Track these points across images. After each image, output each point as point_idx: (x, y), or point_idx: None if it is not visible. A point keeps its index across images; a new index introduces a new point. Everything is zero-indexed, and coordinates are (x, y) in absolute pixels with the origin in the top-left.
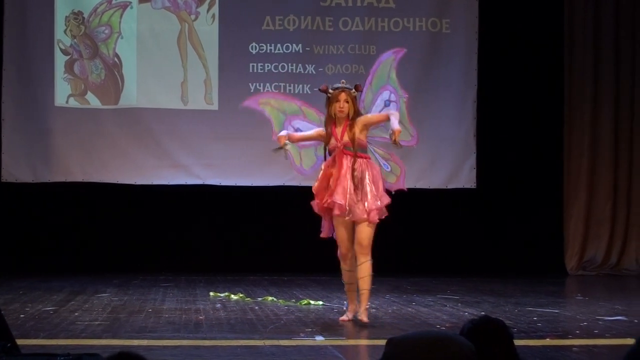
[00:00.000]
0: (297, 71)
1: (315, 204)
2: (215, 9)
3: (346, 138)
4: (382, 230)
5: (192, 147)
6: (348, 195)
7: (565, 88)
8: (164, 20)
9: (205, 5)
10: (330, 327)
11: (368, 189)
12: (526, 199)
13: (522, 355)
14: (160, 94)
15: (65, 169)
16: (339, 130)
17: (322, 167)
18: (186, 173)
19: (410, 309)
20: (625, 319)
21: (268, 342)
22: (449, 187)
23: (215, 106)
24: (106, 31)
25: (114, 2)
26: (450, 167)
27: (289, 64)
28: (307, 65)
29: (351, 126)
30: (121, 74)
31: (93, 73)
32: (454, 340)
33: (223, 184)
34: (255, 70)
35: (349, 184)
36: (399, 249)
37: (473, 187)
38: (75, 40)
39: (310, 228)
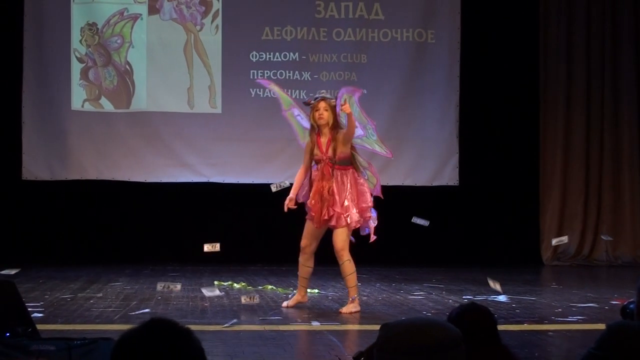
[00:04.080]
0: (294, 78)
1: (313, 218)
2: (219, 20)
3: (330, 151)
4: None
5: (197, 147)
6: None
7: (541, 94)
8: (171, 31)
9: (210, 17)
10: (325, 313)
11: (349, 199)
12: (505, 195)
13: (503, 340)
14: (168, 98)
15: (80, 168)
16: (323, 140)
17: (310, 179)
18: (192, 171)
19: (398, 297)
20: (596, 305)
21: (268, 327)
22: (434, 184)
23: (219, 110)
24: (118, 41)
25: (125, 14)
26: (435, 166)
27: (287, 71)
28: (303, 73)
29: (335, 139)
30: (132, 80)
31: (106, 79)
32: (442, 326)
33: (226, 181)
34: (255, 77)
35: (338, 193)
36: (389, 241)
37: (456, 184)
38: (90, 49)
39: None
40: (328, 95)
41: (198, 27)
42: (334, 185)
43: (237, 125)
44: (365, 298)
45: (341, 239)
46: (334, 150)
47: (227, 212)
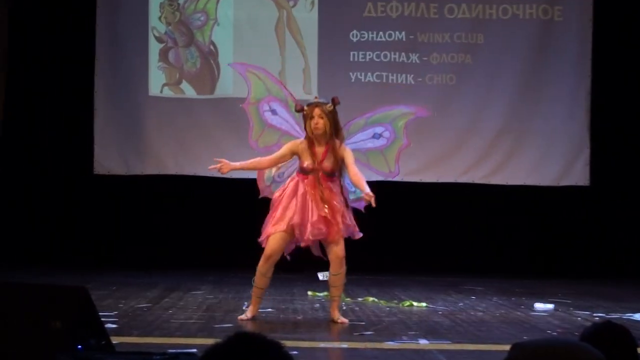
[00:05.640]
0: (400, 60)
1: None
2: None
3: (327, 163)
4: (487, 229)
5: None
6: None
7: None
8: (261, 7)
9: None
10: (434, 330)
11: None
12: None
13: None
14: None
15: (158, 161)
16: (319, 150)
17: (290, 184)
18: None
19: (519, 313)
20: None
21: (370, 345)
22: (561, 184)
23: (314, 96)
24: (202, 18)
25: None
26: (562, 163)
27: (392, 53)
28: (410, 54)
29: (333, 149)
30: (217, 62)
31: (188, 61)
32: (582, 347)
33: None
34: (356, 59)
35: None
36: (507, 248)
37: (586, 184)
38: (170, 27)
39: (412, 226)
40: (323, 100)
41: (291, 3)
42: (329, 196)
43: None
44: (480, 314)
45: (343, 247)
46: (331, 163)
47: None
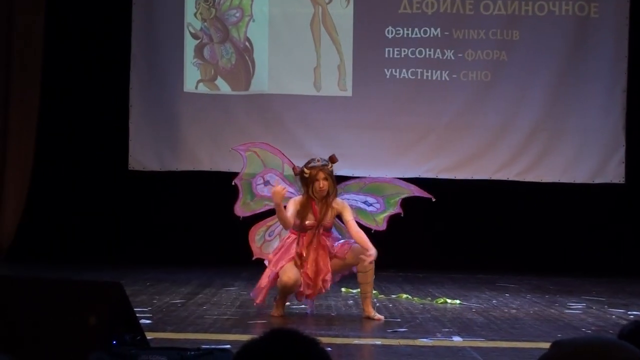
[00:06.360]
0: (435, 57)
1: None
2: None
3: (327, 221)
4: (521, 227)
5: (324, 135)
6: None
7: None
8: (297, 3)
9: None
10: (468, 327)
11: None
12: None
13: None
14: (292, 79)
15: (193, 158)
16: (319, 208)
17: (286, 242)
18: None
19: (553, 311)
20: None
21: (403, 342)
22: (596, 181)
23: (349, 92)
24: (237, 14)
25: None
26: (597, 161)
27: (427, 49)
28: (446, 51)
29: (330, 205)
30: (252, 58)
31: (223, 58)
32: (622, 346)
33: (356, 174)
34: (391, 56)
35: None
36: (541, 245)
37: (622, 182)
38: (205, 23)
39: (446, 223)
40: (325, 162)
41: None
42: (324, 254)
43: (370, 110)
44: (514, 311)
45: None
46: (329, 218)
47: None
